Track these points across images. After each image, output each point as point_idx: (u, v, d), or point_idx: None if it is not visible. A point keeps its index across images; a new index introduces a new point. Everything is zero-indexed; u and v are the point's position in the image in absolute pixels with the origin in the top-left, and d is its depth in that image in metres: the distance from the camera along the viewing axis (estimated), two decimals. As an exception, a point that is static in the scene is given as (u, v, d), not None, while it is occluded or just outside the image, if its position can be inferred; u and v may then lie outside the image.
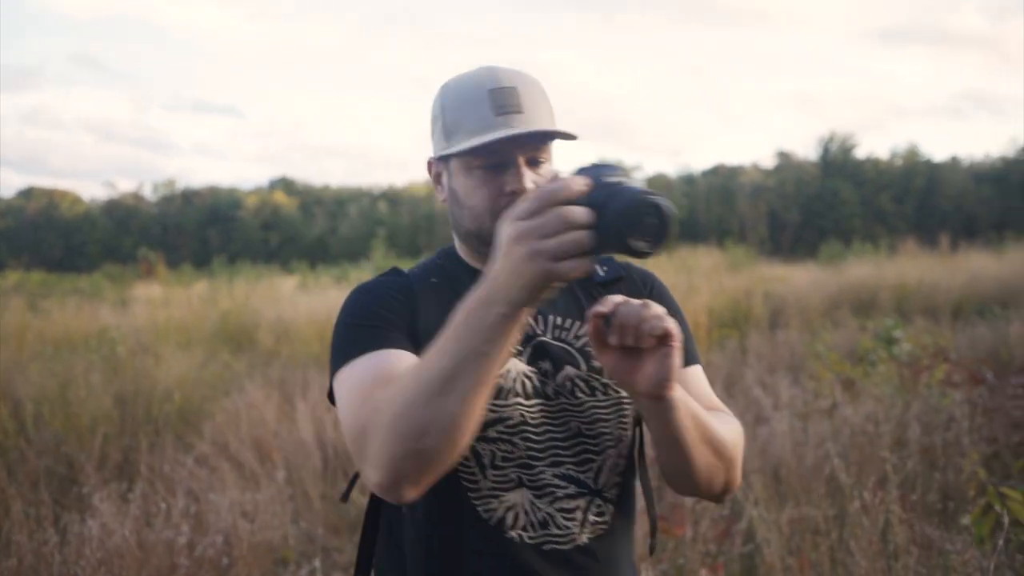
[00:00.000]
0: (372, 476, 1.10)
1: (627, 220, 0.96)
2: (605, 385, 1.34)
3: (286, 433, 5.25)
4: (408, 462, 1.07)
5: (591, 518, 1.32)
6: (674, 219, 0.98)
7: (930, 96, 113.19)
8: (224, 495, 3.95)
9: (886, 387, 4.85)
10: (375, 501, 1.37)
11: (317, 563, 3.27)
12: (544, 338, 1.35)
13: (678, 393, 1.18)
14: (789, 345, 8.21)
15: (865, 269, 13.68)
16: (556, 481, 1.30)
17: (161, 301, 11.76)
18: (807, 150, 72.19)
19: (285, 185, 66.75)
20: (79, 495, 4.21)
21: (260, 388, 6.26)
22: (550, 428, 1.31)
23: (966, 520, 2.98)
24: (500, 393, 1.28)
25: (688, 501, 3.31)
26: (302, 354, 8.20)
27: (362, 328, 1.30)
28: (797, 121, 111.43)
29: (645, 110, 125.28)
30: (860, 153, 57.22)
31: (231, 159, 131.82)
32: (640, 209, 0.96)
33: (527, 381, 1.30)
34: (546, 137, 1.30)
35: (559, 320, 1.37)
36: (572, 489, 1.31)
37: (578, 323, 1.37)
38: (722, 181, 56.05)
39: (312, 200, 63.74)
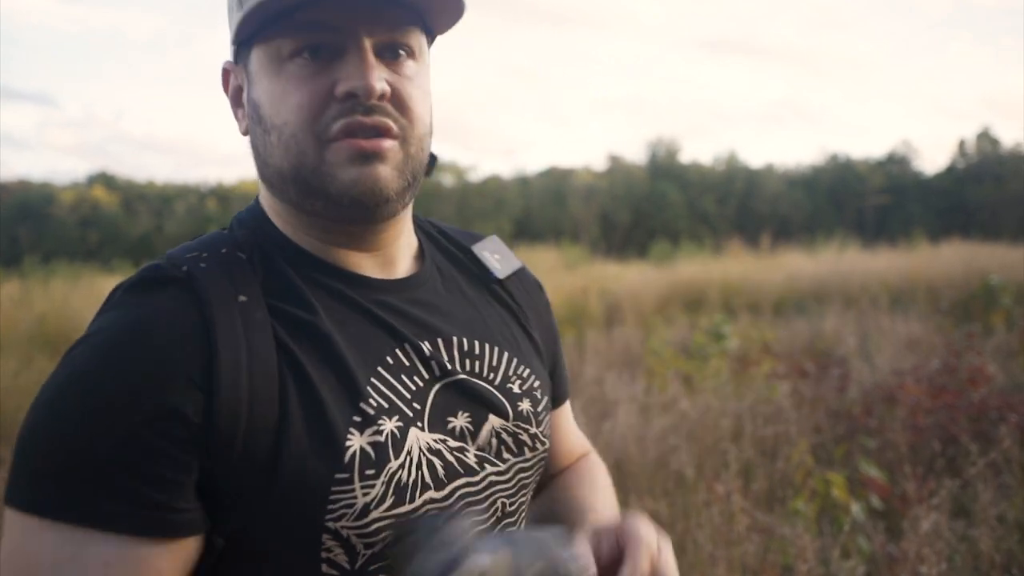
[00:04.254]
0: None
1: None
2: (534, 437, 0.96)
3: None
4: None
5: None
6: None
7: (749, 105, 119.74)
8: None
9: (717, 380, 5.07)
10: None
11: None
12: (456, 376, 0.90)
13: None
14: (625, 341, 8.44)
15: (693, 268, 14.30)
16: None
17: (-35, 304, 10.83)
18: (636, 154, 74.98)
19: (105, 180, 63.04)
20: None
21: (82, 396, 5.86)
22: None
23: (800, 505, 3.14)
24: (404, 494, 0.81)
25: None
26: (128, 358, 7.74)
27: (88, 466, 0.71)
28: (627, 125, 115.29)
29: (479, 110, 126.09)
30: (685, 158, 60.00)
31: (43, 151, 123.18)
32: None
33: (435, 461, 0.85)
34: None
35: (467, 344, 0.93)
36: None
37: (492, 347, 0.96)
38: (556, 183, 57.24)
39: (135, 196, 60.56)
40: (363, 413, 0.81)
